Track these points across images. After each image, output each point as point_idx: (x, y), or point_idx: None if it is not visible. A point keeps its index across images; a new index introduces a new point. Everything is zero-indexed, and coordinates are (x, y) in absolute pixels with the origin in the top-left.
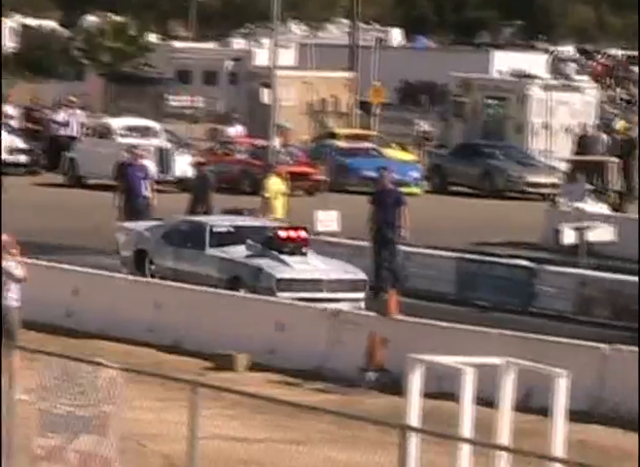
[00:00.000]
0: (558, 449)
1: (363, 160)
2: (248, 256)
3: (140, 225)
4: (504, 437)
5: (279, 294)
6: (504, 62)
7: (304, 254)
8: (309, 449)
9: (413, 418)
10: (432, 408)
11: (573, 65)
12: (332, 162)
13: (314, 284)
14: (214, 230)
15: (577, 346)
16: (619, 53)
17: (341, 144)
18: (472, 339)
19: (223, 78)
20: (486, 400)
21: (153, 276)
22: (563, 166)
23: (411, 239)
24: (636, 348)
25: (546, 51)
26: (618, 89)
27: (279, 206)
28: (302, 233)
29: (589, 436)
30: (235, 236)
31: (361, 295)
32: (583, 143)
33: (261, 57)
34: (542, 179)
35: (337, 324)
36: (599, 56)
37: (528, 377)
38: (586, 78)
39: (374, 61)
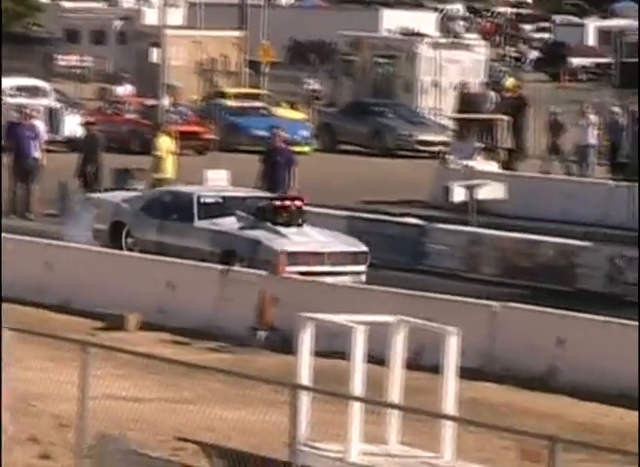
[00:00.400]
0: (449, 406)
1: (253, 119)
2: (242, 228)
3: (114, 196)
4: (395, 395)
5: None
6: (393, 21)
7: (300, 225)
8: (201, 408)
9: (304, 377)
10: (323, 366)
11: (462, 23)
12: (221, 122)
13: (316, 257)
14: (202, 200)
15: (467, 304)
16: (508, 11)
17: (231, 103)
18: (362, 297)
19: (112, 37)
20: (378, 358)
21: (130, 250)
22: (453, 124)
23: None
24: (525, 306)
25: (435, 9)
26: (507, 48)
27: (169, 165)
28: (298, 203)
29: (480, 393)
30: (224, 207)
31: (362, 268)
32: (466, 100)
33: (150, 17)
34: (431, 137)
35: (228, 283)
36: (488, 15)
37: (419, 335)
38: (475, 36)
39: (264, 20)
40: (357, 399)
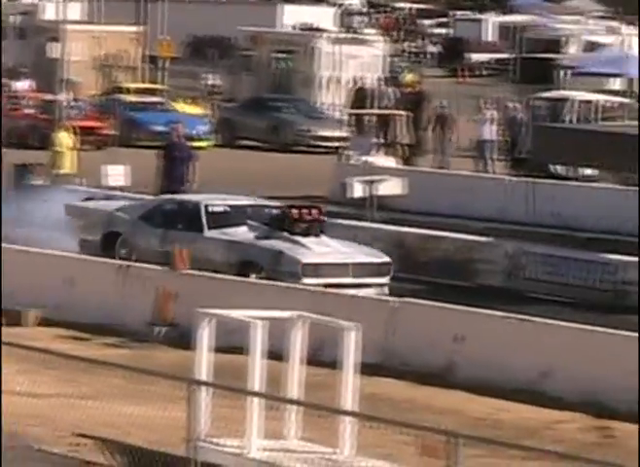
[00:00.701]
0: (349, 401)
1: (152, 114)
2: (258, 238)
3: (102, 204)
4: (294, 390)
5: (305, 280)
6: (292, 16)
7: (318, 236)
8: (100, 403)
9: (203, 372)
10: (222, 362)
11: (361, 18)
12: (121, 117)
13: (339, 269)
14: (210, 209)
15: (367, 300)
16: (407, 6)
17: (130, 98)
18: (262, 292)
19: (10, 32)
20: (278, 354)
21: (125, 259)
22: (352, 120)
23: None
24: (424, 301)
25: (334, 4)
26: (406, 43)
27: (68, 161)
28: (315, 212)
29: (380, 389)
30: (232, 217)
31: (386, 280)
32: (364, 96)
33: (49, 11)
34: (330, 133)
35: (126, 278)
36: (387, 10)
37: (319, 331)
38: (374, 31)
39: (163, 15)
40: (256, 394)
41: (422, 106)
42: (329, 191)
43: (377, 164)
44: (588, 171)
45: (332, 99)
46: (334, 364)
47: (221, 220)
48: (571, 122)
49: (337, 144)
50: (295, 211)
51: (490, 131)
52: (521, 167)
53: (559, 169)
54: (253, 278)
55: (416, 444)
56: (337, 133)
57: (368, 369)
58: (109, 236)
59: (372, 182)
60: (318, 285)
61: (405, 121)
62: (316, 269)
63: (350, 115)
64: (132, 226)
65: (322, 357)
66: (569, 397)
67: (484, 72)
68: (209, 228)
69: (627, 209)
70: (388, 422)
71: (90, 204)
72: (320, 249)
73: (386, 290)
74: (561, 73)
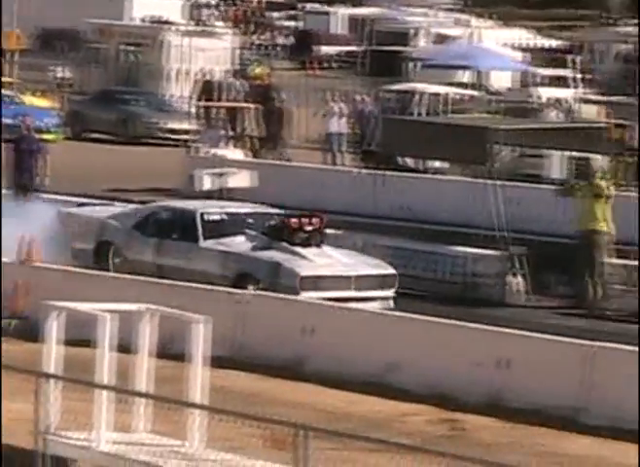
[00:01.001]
0: (198, 394)
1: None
2: (255, 248)
3: (95, 211)
4: (143, 383)
5: (303, 293)
6: (141, 9)
7: (319, 246)
8: None
9: (52, 366)
10: (72, 355)
11: (210, 11)
12: None
13: (342, 281)
14: (206, 218)
15: (218, 293)
16: None
17: None
18: (111, 285)
19: None
20: (127, 347)
21: (119, 271)
22: (201, 113)
23: (50, 186)
24: (274, 294)
25: None
26: (256, 36)
27: None
28: (316, 221)
29: (230, 382)
30: (230, 225)
31: (391, 292)
32: (212, 88)
33: None
34: (179, 125)
35: None
36: (236, 2)
37: (169, 324)
38: (222, 24)
39: (11, 7)
40: (105, 387)
41: (272, 99)
42: (179, 183)
43: (227, 157)
44: (437, 164)
45: (181, 92)
46: (183, 357)
47: (217, 229)
48: (420, 114)
49: (185, 137)
50: (294, 220)
51: (339, 124)
52: (370, 160)
53: (409, 162)
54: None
55: (265, 436)
56: (185, 126)
57: (218, 362)
58: (102, 246)
59: (221, 175)
60: (318, 299)
61: (253, 113)
62: (316, 282)
63: (199, 107)
64: (126, 235)
65: (172, 350)
66: (418, 389)
67: (334, 65)
68: (205, 237)
69: (476, 202)
70: (237, 415)
71: (81, 211)
72: (321, 260)
73: (391, 303)
74: (410, 66)
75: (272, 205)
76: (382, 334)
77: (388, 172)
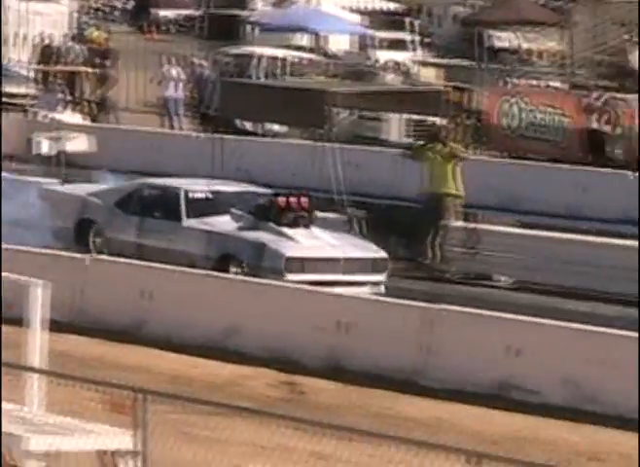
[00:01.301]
0: (37, 358)
1: None
2: (241, 229)
3: (79, 188)
4: None
5: (288, 276)
6: None
7: (307, 226)
8: None
9: None
10: None
11: None
12: None
13: (330, 264)
14: (190, 196)
15: (59, 257)
16: None
17: None
18: None
19: None
20: None
21: (100, 252)
22: (38, 77)
23: None
24: (114, 258)
25: None
26: (92, 0)
27: None
28: (304, 201)
29: (69, 346)
30: (216, 204)
31: (382, 277)
32: (48, 53)
33: None
34: (17, 89)
35: None
36: None
37: (8, 289)
38: None
39: None
40: None
41: (111, 63)
42: (16, 148)
43: (65, 121)
44: (277, 127)
45: (18, 56)
46: (22, 322)
47: (202, 208)
48: (258, 78)
49: (23, 101)
50: (282, 199)
51: (176, 88)
52: (209, 124)
53: (247, 126)
54: (233, 274)
55: (105, 401)
56: (23, 90)
57: (58, 326)
58: (82, 224)
59: (58, 139)
60: (304, 282)
61: (92, 78)
62: (302, 264)
63: (37, 72)
64: (108, 213)
65: (11, 315)
66: (257, 352)
67: (173, 29)
68: (188, 216)
69: (314, 165)
70: (76, 379)
71: (62, 188)
72: (308, 242)
73: (382, 289)
74: (249, 29)
75: (111, 170)
76: (220, 297)
77: (226, 136)
